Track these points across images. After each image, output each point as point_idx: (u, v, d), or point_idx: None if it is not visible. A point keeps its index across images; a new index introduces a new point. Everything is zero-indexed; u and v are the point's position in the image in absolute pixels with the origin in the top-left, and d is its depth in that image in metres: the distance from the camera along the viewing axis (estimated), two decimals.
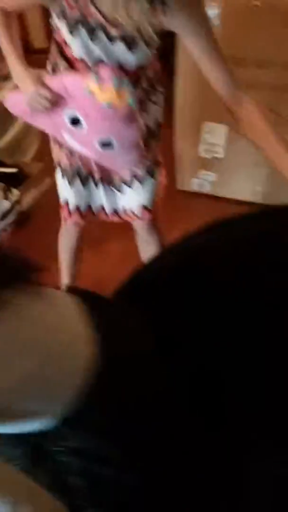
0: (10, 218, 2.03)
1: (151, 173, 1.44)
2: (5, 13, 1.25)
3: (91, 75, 1.16)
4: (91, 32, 1.13)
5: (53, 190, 2.17)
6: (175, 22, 1.08)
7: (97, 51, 1.16)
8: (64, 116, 1.27)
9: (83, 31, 1.13)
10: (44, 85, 1.21)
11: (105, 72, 1.15)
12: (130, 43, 1.14)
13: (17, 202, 2.03)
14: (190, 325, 0.86)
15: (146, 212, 1.50)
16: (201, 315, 0.86)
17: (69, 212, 1.51)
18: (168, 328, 0.84)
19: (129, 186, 1.45)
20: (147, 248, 1.64)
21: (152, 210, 1.50)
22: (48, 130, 1.39)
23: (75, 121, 1.27)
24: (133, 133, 1.29)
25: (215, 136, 2.02)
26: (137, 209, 1.49)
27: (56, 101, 1.23)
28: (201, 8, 1.10)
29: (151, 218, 1.53)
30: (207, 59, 1.11)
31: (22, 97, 1.28)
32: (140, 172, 1.43)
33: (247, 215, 1.07)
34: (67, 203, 1.50)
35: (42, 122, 1.34)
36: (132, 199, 1.48)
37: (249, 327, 0.84)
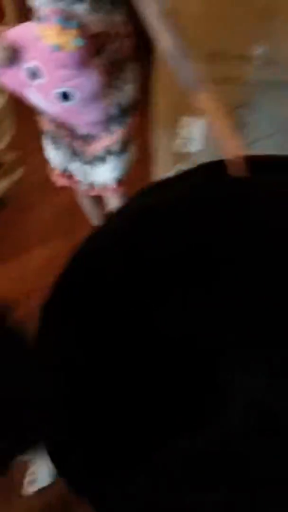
0: None
1: (125, 148, 1.47)
2: None
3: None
4: None
5: (27, 179, 2.17)
6: None
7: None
8: (24, 69, 1.25)
9: None
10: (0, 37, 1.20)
11: (50, 12, 1.15)
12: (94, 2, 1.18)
13: None
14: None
15: (119, 185, 1.54)
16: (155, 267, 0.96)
17: (58, 175, 1.58)
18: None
19: (104, 161, 1.47)
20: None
21: (124, 183, 1.54)
22: (16, 88, 1.37)
23: (34, 74, 1.24)
24: (90, 80, 1.25)
25: (191, 130, 2.03)
26: (111, 182, 1.53)
27: (14, 53, 1.21)
28: None
29: (124, 191, 1.55)
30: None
31: None
32: (115, 147, 1.45)
33: (177, 176, 1.20)
34: (54, 167, 1.57)
35: (7, 80, 1.32)
36: (105, 173, 1.52)
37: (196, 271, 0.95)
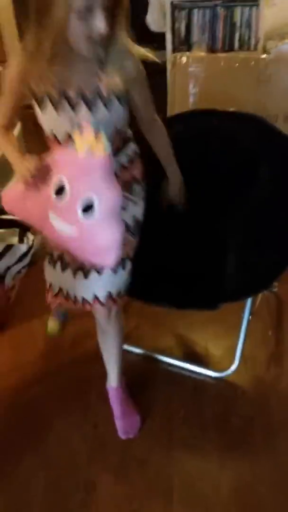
0: (26, 261, 2.26)
1: (123, 264, 1.51)
2: (5, 130, 1.43)
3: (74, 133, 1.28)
4: (57, 103, 1.31)
5: None
6: (124, 84, 1.34)
7: (64, 122, 1.33)
8: (50, 188, 1.32)
9: (49, 105, 1.32)
10: (31, 158, 1.33)
11: (84, 123, 1.27)
12: (88, 103, 1.32)
13: (32, 245, 2.28)
14: None
15: (110, 301, 1.52)
16: None
17: (52, 297, 1.61)
18: None
19: (99, 273, 1.49)
20: (105, 339, 1.67)
21: (117, 300, 1.53)
22: (36, 217, 1.41)
23: (59, 190, 1.31)
24: (113, 192, 1.28)
25: None
26: (102, 297, 1.52)
27: (42, 173, 1.31)
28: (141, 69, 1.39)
29: (116, 308, 1.56)
30: (143, 106, 1.46)
31: (15, 191, 1.35)
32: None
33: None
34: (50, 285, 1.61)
35: (30, 205, 1.38)
36: (100, 286, 1.51)
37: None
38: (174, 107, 2.95)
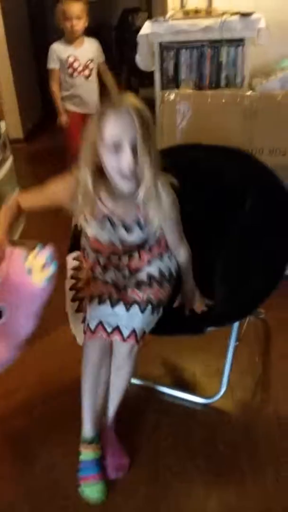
0: None
1: (152, 308, 1.58)
2: (18, 210, 1.53)
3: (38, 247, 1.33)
4: (100, 222, 1.49)
5: None
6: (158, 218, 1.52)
7: (105, 236, 1.52)
8: None
9: (94, 223, 1.49)
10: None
11: (47, 248, 1.31)
12: (127, 228, 1.52)
13: None
14: None
15: (132, 338, 1.54)
16: None
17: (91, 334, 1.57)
18: None
19: (127, 309, 1.55)
20: (116, 375, 1.68)
21: (139, 339, 1.55)
22: None
23: None
24: (26, 322, 1.30)
25: None
26: (127, 331, 1.54)
27: None
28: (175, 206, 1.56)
29: (136, 345, 1.57)
30: (172, 234, 1.64)
31: None
32: (154, 301, 1.59)
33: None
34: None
35: None
36: (126, 320, 1.55)
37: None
38: (163, 141, 3.04)
